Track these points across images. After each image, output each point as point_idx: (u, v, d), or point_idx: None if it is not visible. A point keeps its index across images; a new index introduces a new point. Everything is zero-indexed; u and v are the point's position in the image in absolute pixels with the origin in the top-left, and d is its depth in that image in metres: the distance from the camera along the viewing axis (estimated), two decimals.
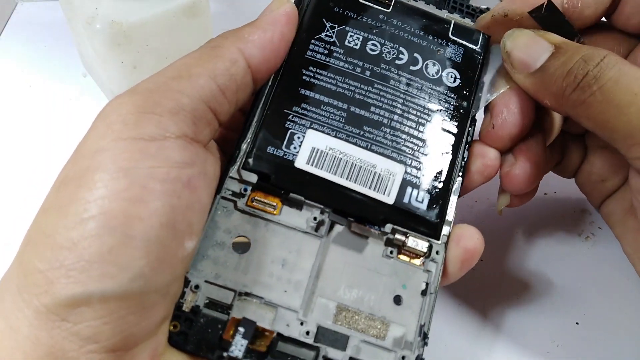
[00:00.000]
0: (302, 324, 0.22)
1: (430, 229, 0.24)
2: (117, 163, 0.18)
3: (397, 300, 0.23)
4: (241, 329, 0.20)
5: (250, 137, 0.23)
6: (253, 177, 0.23)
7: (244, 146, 0.23)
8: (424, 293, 0.23)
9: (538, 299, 0.32)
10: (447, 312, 0.31)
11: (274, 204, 0.23)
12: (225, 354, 0.20)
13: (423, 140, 0.25)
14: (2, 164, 0.36)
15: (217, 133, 0.22)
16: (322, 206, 0.23)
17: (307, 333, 0.22)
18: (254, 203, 0.23)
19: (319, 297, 0.22)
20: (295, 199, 0.23)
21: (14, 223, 0.34)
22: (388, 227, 0.23)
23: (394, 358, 0.22)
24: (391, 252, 0.23)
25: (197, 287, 0.21)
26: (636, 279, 0.33)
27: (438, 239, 0.24)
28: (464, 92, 0.26)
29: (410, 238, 0.23)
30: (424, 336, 0.23)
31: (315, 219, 0.23)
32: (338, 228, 0.23)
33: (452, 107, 0.25)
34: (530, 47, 0.25)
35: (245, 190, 0.23)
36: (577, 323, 0.32)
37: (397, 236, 0.23)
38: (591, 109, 0.23)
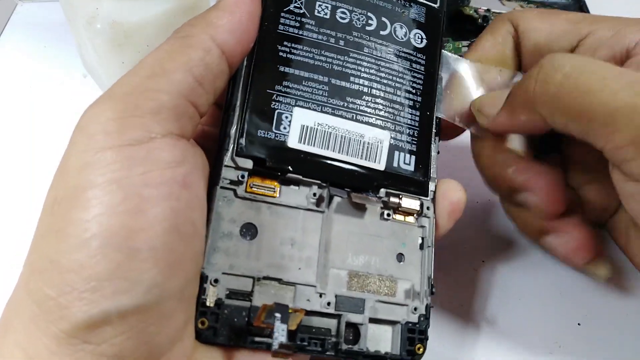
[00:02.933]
0: (321, 296, 0.23)
1: (419, 187, 0.25)
2: (107, 175, 0.18)
3: (400, 258, 0.25)
4: (278, 315, 0.20)
5: (236, 122, 0.23)
6: (249, 163, 0.23)
7: (232, 132, 0.23)
8: (421, 247, 0.25)
9: (540, 299, 0.32)
10: (449, 312, 0.31)
11: (273, 186, 0.23)
12: (257, 339, 0.21)
13: (402, 104, 0.26)
14: (2, 164, 0.36)
15: (197, 126, 0.22)
16: (319, 182, 0.24)
17: (328, 304, 0.23)
18: (252, 188, 0.23)
19: (331, 268, 0.23)
20: (292, 178, 0.23)
21: (13, 223, 0.34)
22: (382, 192, 0.25)
23: (407, 310, 0.24)
24: (388, 215, 0.25)
25: (216, 280, 0.21)
26: (638, 279, 0.33)
27: (427, 196, 0.25)
28: (431, 52, 0.27)
29: (404, 199, 0.25)
30: (431, 286, 0.25)
31: (314, 195, 0.24)
32: (337, 200, 0.24)
33: (422, 68, 0.26)
34: (495, 97, 0.26)
35: (243, 177, 0.23)
36: (579, 324, 0.31)
37: (392, 199, 0.25)
38: (561, 99, 0.22)
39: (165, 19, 0.32)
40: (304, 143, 0.24)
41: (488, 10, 0.42)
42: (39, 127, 0.38)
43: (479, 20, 0.42)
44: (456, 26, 0.43)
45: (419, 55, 0.26)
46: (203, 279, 0.21)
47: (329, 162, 0.24)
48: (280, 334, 0.20)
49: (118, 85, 0.20)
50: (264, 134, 0.23)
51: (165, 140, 0.19)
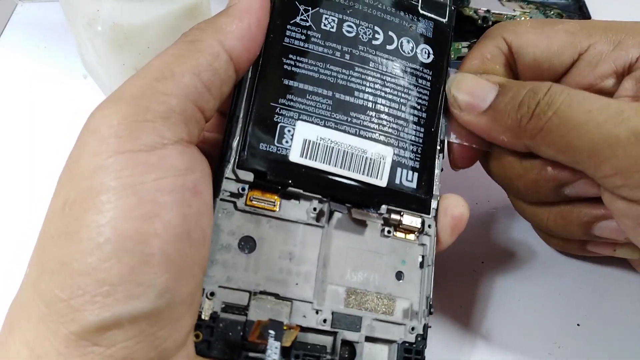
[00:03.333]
0: (317, 312, 0.23)
1: (421, 205, 0.25)
2: (121, 180, 0.18)
3: (399, 276, 0.25)
4: (272, 332, 0.20)
5: (239, 134, 0.23)
6: (249, 176, 0.22)
7: (234, 144, 0.23)
8: (421, 265, 0.25)
9: (539, 300, 0.32)
10: (448, 313, 0.31)
11: (273, 200, 0.23)
12: (251, 355, 0.21)
13: (406, 120, 0.25)
14: (2, 164, 0.36)
15: (202, 131, 0.22)
16: (320, 197, 0.23)
17: (324, 321, 0.23)
18: (252, 202, 0.23)
19: (329, 284, 0.23)
20: (293, 192, 0.23)
21: (13, 223, 0.34)
22: (383, 209, 0.24)
23: (404, 330, 0.24)
24: (388, 232, 0.25)
25: (212, 294, 0.21)
26: (637, 280, 0.33)
27: (429, 214, 0.25)
28: (438, 67, 0.26)
29: (405, 216, 0.25)
30: (430, 306, 0.25)
31: (315, 209, 0.23)
32: (337, 215, 0.24)
33: (428, 84, 0.26)
34: (475, 89, 0.26)
35: (243, 189, 0.22)
36: (578, 324, 0.32)
37: (393, 216, 0.24)
38: (550, 134, 0.23)
39: (166, 21, 0.32)
40: (306, 157, 0.23)
41: (488, 11, 0.42)
42: (39, 127, 0.38)
43: (479, 21, 0.42)
44: (455, 27, 0.43)
45: (425, 70, 0.26)
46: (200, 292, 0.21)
47: (330, 177, 0.24)
48: (273, 351, 0.20)
49: (126, 87, 0.20)
50: (266, 147, 0.23)
51: (176, 146, 0.19)
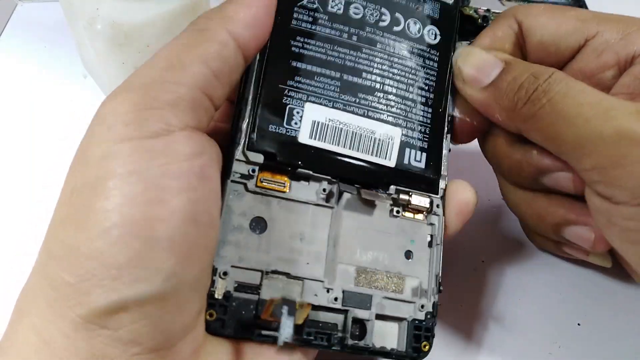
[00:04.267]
0: (328, 291, 0.23)
1: (430, 185, 0.25)
2: (127, 166, 0.18)
3: (408, 255, 0.25)
4: (285, 308, 0.21)
5: (248, 116, 0.23)
6: (259, 158, 0.23)
7: (243, 126, 0.23)
8: (430, 245, 0.25)
9: (539, 299, 0.32)
10: (448, 312, 0.31)
11: (283, 181, 0.23)
12: (264, 332, 0.21)
13: (414, 101, 0.25)
14: (2, 164, 0.36)
15: (212, 119, 0.22)
16: (329, 177, 0.24)
17: (335, 299, 0.23)
18: (263, 183, 0.23)
19: (339, 263, 0.24)
20: (302, 174, 0.23)
21: (13, 223, 0.34)
22: (392, 189, 0.25)
23: (413, 308, 0.24)
24: (397, 212, 0.25)
25: (225, 273, 0.22)
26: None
27: (437, 194, 0.25)
28: (444, 48, 0.26)
29: (414, 196, 0.25)
30: (439, 284, 0.25)
31: (324, 190, 0.24)
32: (346, 195, 0.24)
33: (435, 65, 0.26)
34: (481, 63, 0.26)
35: (254, 171, 0.23)
36: (578, 324, 0.31)
37: (402, 196, 0.25)
38: (541, 121, 0.23)
39: (166, 20, 0.32)
40: (315, 139, 0.24)
41: (488, 10, 0.42)
42: (39, 128, 0.38)
43: (479, 21, 0.42)
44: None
45: (432, 51, 0.26)
46: (213, 271, 0.21)
47: (339, 157, 0.24)
48: (287, 328, 0.20)
49: (135, 76, 0.20)
50: (275, 128, 0.23)
51: (183, 133, 0.19)
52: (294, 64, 0.24)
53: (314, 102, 0.24)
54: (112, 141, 0.19)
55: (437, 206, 0.25)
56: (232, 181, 0.22)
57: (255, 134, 0.23)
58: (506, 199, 0.29)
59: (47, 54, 0.42)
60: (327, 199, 0.24)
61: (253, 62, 0.23)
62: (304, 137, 0.23)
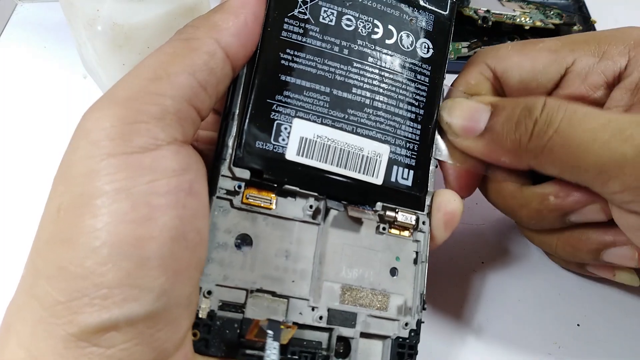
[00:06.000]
0: (313, 309, 0.23)
1: (416, 202, 0.25)
2: (115, 184, 0.18)
3: (393, 272, 0.25)
4: (270, 332, 0.20)
5: (235, 131, 0.22)
6: (246, 174, 0.22)
7: (230, 142, 0.22)
8: (415, 262, 0.25)
9: (539, 300, 0.32)
10: (448, 313, 0.31)
11: (269, 198, 0.23)
12: (249, 352, 0.21)
13: (403, 117, 0.25)
14: (2, 164, 0.36)
15: (197, 130, 0.21)
16: (316, 194, 0.23)
17: (320, 318, 0.23)
18: (249, 199, 0.22)
19: (325, 281, 0.23)
20: (289, 190, 0.23)
21: (12, 224, 0.34)
22: (379, 206, 0.24)
23: (398, 326, 0.24)
24: (383, 229, 0.25)
25: (209, 292, 0.21)
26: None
27: (423, 211, 0.25)
28: (437, 62, 0.26)
29: (400, 213, 0.25)
30: (423, 302, 0.25)
31: (311, 207, 0.23)
32: (333, 212, 0.24)
33: (427, 79, 0.26)
34: (468, 112, 0.25)
35: (240, 187, 0.22)
36: (578, 325, 0.31)
37: (388, 213, 0.25)
38: (554, 154, 0.23)
39: (166, 21, 0.32)
40: (303, 155, 0.23)
41: (488, 11, 0.42)
42: (38, 127, 0.38)
43: (479, 21, 0.42)
44: (455, 27, 0.43)
45: (424, 65, 0.25)
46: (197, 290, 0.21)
47: (326, 175, 0.23)
48: (272, 351, 0.20)
49: (119, 87, 0.19)
50: (262, 145, 0.22)
51: (170, 147, 0.19)
52: (283, 77, 0.23)
53: (302, 117, 0.23)
54: (97, 157, 0.18)
55: (423, 223, 0.25)
56: (218, 197, 0.22)
57: (242, 150, 0.22)
58: (531, 241, 0.29)
59: (47, 54, 0.42)
60: (314, 216, 0.23)
61: (240, 74, 0.23)
62: (291, 154, 0.23)
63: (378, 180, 0.24)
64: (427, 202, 0.25)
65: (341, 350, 0.23)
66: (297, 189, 0.23)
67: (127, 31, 0.31)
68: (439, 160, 0.26)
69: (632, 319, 0.32)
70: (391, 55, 0.25)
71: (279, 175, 0.23)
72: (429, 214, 0.25)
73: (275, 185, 0.23)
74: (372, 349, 0.24)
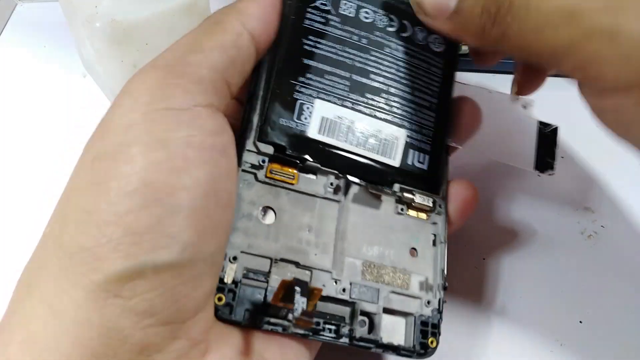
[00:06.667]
0: (336, 282, 0.23)
1: (432, 185, 0.26)
2: (153, 134, 0.18)
3: (412, 252, 0.25)
4: (298, 289, 0.21)
5: (259, 109, 0.23)
6: (269, 149, 0.23)
7: (254, 119, 0.23)
8: (434, 243, 0.26)
9: (541, 297, 0.32)
10: (450, 310, 0.31)
11: (292, 174, 0.24)
12: (272, 320, 0.21)
13: (419, 105, 0.26)
14: (2, 164, 0.36)
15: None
16: (336, 172, 0.24)
17: (343, 290, 0.23)
18: (272, 174, 0.23)
19: (346, 256, 0.24)
20: (310, 167, 0.24)
21: (12, 223, 0.34)
22: (397, 187, 0.25)
23: (420, 304, 0.25)
24: (402, 210, 0.25)
25: (234, 258, 0.22)
26: (639, 276, 0.33)
27: (438, 194, 0.26)
28: (449, 56, 0.27)
29: (417, 195, 0.25)
30: (444, 280, 0.25)
31: (332, 184, 0.24)
32: (353, 190, 0.25)
33: (440, 72, 0.27)
34: None
35: (264, 161, 0.23)
36: (580, 322, 0.31)
37: (406, 194, 0.25)
38: (511, 40, 0.23)
39: (165, 18, 0.32)
40: (324, 134, 0.24)
41: None
42: (38, 127, 0.38)
43: None
44: None
45: (437, 59, 0.27)
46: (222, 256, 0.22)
47: (345, 154, 0.25)
48: (299, 305, 0.20)
49: (159, 58, 0.21)
50: (286, 122, 0.24)
51: (206, 110, 0.20)
52: (305, 61, 0.24)
53: (323, 99, 0.24)
54: (138, 111, 0.19)
55: (440, 206, 0.26)
56: (243, 170, 0.23)
57: (266, 126, 0.23)
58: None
59: (47, 54, 0.42)
60: (335, 193, 0.24)
61: (264, 59, 0.24)
62: (313, 132, 0.24)
63: (395, 162, 0.25)
64: (443, 187, 0.26)
65: (364, 327, 0.23)
66: (319, 165, 0.24)
67: (126, 28, 0.31)
68: (449, 146, 0.27)
69: (635, 316, 0.32)
70: (406, 48, 0.26)
71: (301, 150, 0.24)
72: (445, 198, 0.26)
73: (298, 161, 0.24)
74: (396, 327, 0.24)
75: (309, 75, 0.24)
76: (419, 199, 0.25)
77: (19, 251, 0.22)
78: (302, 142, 0.24)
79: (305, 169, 0.24)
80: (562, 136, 0.30)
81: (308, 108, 0.24)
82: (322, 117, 0.24)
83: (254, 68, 0.24)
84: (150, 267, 0.17)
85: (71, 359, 0.17)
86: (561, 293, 0.32)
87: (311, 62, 0.24)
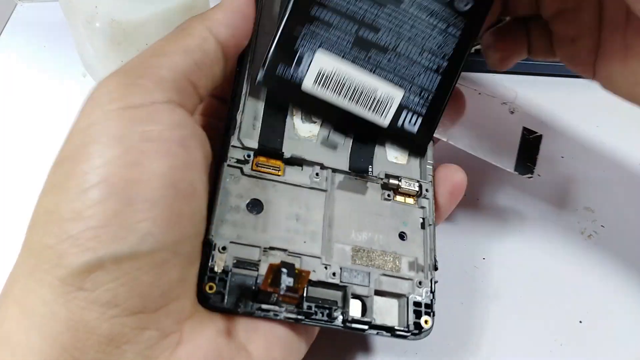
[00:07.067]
0: (326, 267, 0.23)
1: (418, 148, 0.27)
2: (110, 132, 0.19)
3: (402, 236, 0.25)
4: (284, 270, 0.21)
5: (242, 106, 0.24)
6: (254, 144, 0.24)
7: (238, 116, 0.24)
8: (422, 226, 0.26)
9: (540, 297, 0.32)
10: (449, 310, 0.31)
11: (277, 166, 0.24)
12: (264, 307, 0.22)
13: (425, 67, 0.26)
14: (2, 164, 0.36)
15: (196, 108, 0.23)
16: (321, 163, 0.25)
17: (334, 274, 0.23)
18: (258, 167, 0.24)
19: (335, 242, 0.24)
20: (296, 158, 0.25)
21: (12, 223, 0.34)
22: (381, 173, 0.26)
23: (412, 285, 0.25)
24: (388, 195, 0.26)
25: (224, 248, 0.22)
26: (639, 277, 0.33)
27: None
28: (475, 17, 0.26)
29: (403, 181, 0.26)
30: (435, 260, 0.25)
31: (317, 174, 0.25)
32: (338, 180, 0.25)
33: (459, 33, 0.26)
34: None
35: (249, 156, 0.24)
36: (580, 322, 0.31)
37: (391, 181, 0.26)
38: None
39: (165, 18, 0.32)
40: (318, 86, 0.25)
41: None
42: (38, 127, 0.38)
43: None
44: None
45: (459, 18, 0.26)
46: (211, 246, 0.22)
47: (335, 107, 0.25)
48: (285, 283, 0.21)
49: (124, 64, 0.22)
50: (282, 72, 0.24)
51: (165, 105, 0.20)
52: (314, 11, 0.24)
53: (324, 50, 0.24)
54: (98, 112, 0.20)
55: (427, 190, 0.26)
56: (229, 165, 0.23)
57: (263, 70, 0.24)
58: None
59: (47, 54, 0.42)
60: (320, 183, 0.25)
61: (245, 60, 0.25)
62: (307, 84, 0.24)
63: (385, 121, 0.26)
64: (430, 172, 0.27)
65: (357, 310, 0.23)
66: (303, 157, 0.24)
67: (126, 28, 0.31)
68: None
69: (635, 316, 0.32)
70: (426, 5, 0.25)
71: (291, 100, 0.24)
72: (431, 182, 0.27)
73: (281, 156, 0.24)
74: (388, 309, 0.24)
75: (315, 25, 0.24)
76: (404, 184, 0.26)
77: (17, 251, 0.22)
78: (295, 93, 0.24)
79: (291, 161, 0.25)
80: (563, 136, 0.30)
81: (307, 59, 0.24)
82: (319, 69, 0.24)
83: (237, 68, 0.25)
84: (109, 258, 0.18)
85: (42, 353, 0.17)
86: (561, 293, 0.32)
87: (319, 13, 0.24)
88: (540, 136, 0.29)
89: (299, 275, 0.21)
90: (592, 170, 0.37)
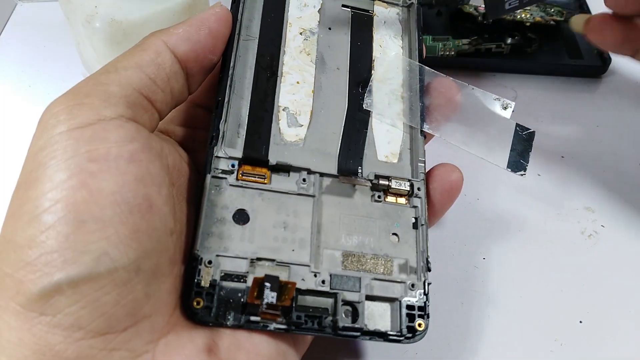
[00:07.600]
0: (315, 275, 0.23)
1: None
2: (57, 156, 0.19)
3: (394, 238, 0.25)
4: (267, 284, 0.21)
5: (224, 116, 0.24)
6: (238, 153, 0.24)
7: (221, 126, 0.24)
8: (414, 226, 0.26)
9: (541, 297, 0.32)
10: (449, 310, 0.31)
11: (263, 174, 0.24)
12: (253, 319, 0.21)
13: None
14: (1, 164, 0.36)
15: (157, 123, 0.23)
16: (309, 168, 0.25)
17: (323, 282, 0.23)
18: (243, 177, 0.24)
19: (325, 249, 0.24)
20: (282, 165, 0.24)
21: None
22: (371, 175, 0.26)
23: (404, 287, 0.24)
24: (379, 197, 0.26)
25: (210, 262, 0.22)
26: (639, 277, 0.33)
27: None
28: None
29: (393, 181, 0.26)
30: (427, 262, 0.25)
31: (304, 180, 0.25)
32: (326, 184, 0.25)
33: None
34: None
35: (233, 166, 0.24)
36: (580, 321, 0.31)
37: (381, 181, 0.25)
38: None
39: (164, 18, 0.32)
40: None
41: None
42: None
43: (479, 18, 0.42)
44: (456, 24, 0.43)
45: None
46: (197, 261, 0.22)
47: None
48: (267, 299, 0.20)
49: (73, 85, 0.21)
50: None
51: (113, 121, 0.20)
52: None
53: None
54: (44, 137, 0.20)
55: (418, 189, 0.26)
56: (213, 177, 0.23)
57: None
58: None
59: (47, 54, 0.42)
60: (307, 189, 0.25)
61: (227, 68, 0.25)
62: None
63: None
64: (421, 170, 0.26)
65: (348, 316, 0.23)
66: (290, 163, 0.24)
67: (126, 28, 0.31)
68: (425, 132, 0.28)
69: (634, 316, 0.32)
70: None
71: None
72: (424, 181, 0.26)
73: (266, 163, 0.24)
74: (381, 314, 0.24)
75: None
76: (395, 184, 0.25)
77: None
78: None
79: (277, 168, 0.24)
80: (563, 136, 0.30)
81: None
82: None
83: (219, 78, 0.25)
84: (65, 282, 0.18)
85: None
86: (561, 293, 0.32)
87: None
88: (533, 132, 0.28)
89: (284, 287, 0.21)
90: (592, 170, 0.37)
